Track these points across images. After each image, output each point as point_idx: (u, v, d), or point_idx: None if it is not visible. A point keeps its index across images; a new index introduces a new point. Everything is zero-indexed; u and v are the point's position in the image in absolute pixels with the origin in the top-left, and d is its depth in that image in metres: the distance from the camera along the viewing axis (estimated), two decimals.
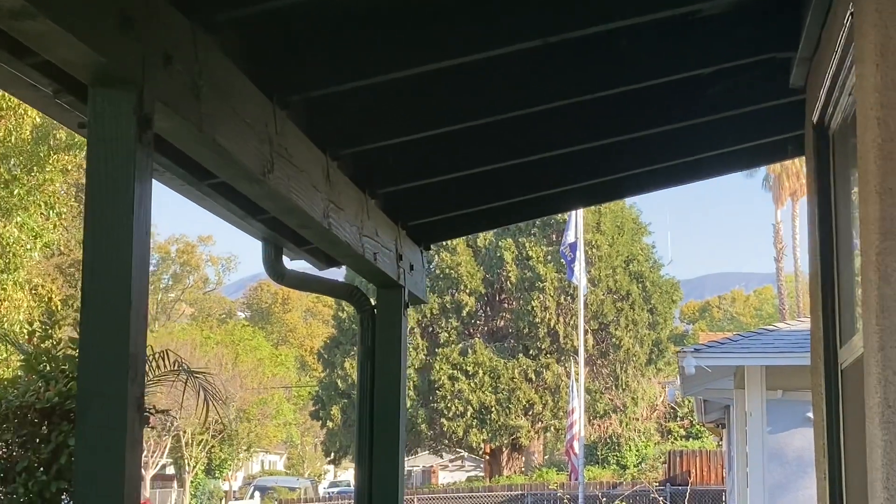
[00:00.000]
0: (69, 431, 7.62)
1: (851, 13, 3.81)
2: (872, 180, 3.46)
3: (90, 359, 3.07)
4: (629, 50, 4.84)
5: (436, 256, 40.40)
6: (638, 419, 42.48)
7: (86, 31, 2.87)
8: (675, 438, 44.56)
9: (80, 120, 3.51)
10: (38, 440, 7.64)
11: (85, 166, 3.16)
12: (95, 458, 3.04)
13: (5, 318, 21.00)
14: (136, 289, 3.05)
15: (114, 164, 3.04)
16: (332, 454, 45.18)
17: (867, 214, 3.53)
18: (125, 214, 3.03)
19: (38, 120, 21.68)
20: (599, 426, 41.86)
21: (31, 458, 7.66)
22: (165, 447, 47.71)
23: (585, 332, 35.17)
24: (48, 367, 7.87)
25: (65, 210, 25.05)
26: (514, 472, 42.44)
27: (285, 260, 5.98)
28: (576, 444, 26.44)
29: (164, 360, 8.57)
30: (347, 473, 69.58)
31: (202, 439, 48.16)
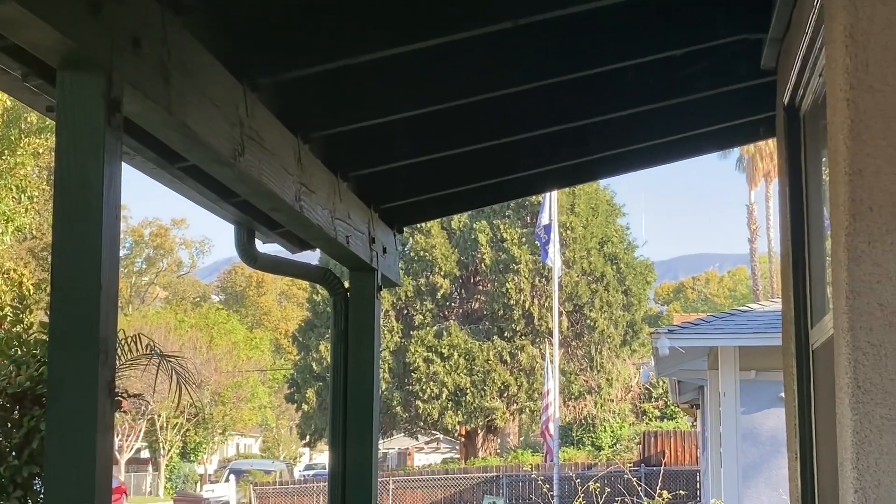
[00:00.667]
0: (41, 416, 7.59)
1: None
2: (842, 162, 3.48)
3: (60, 343, 3.06)
4: (601, 32, 4.85)
5: (410, 239, 40.40)
6: (613, 400, 42.65)
7: (54, 15, 2.85)
8: (650, 419, 44.78)
9: (48, 103, 3.49)
10: (9, 425, 7.60)
11: (55, 147, 3.15)
12: (66, 443, 3.04)
13: None
14: (106, 272, 3.04)
15: (82, 147, 3.03)
16: (308, 437, 45.22)
17: (837, 196, 3.56)
18: (94, 198, 3.02)
19: (8, 103, 21.53)
20: (574, 407, 42.01)
21: (3, 442, 7.62)
22: (140, 431, 47.65)
23: (560, 313, 35.25)
24: (19, 352, 7.82)
25: (36, 194, 24.90)
26: (490, 453, 42.57)
27: (258, 243, 5.97)
28: (551, 426, 26.52)
29: (136, 344, 8.55)
30: (323, 456, 69.61)
31: (177, 423, 48.13)
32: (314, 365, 41.67)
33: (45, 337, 7.96)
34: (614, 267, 41.33)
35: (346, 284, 6.35)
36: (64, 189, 3.06)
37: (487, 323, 41.24)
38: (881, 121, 3.44)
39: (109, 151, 3.05)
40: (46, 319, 8.17)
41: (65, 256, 3.05)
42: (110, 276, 3.07)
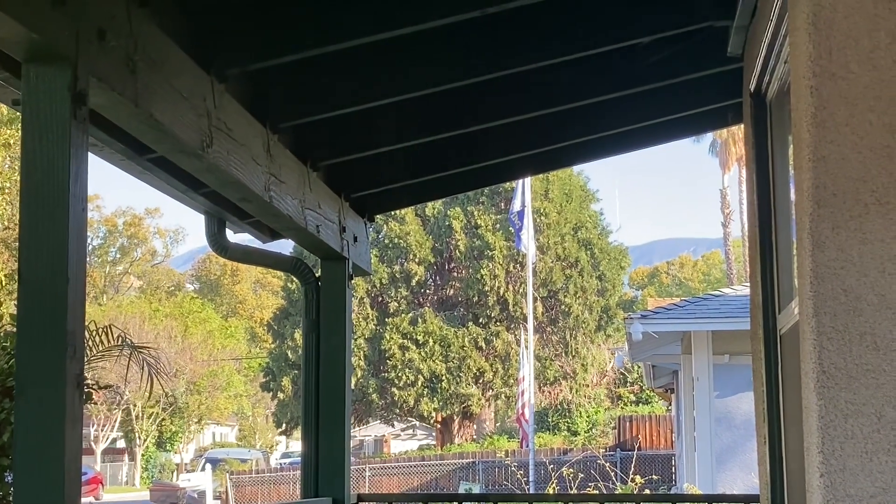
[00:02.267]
0: (11, 409, 7.58)
1: None
2: (806, 148, 3.51)
3: (28, 336, 3.07)
4: (569, 20, 4.87)
5: (384, 226, 40.38)
6: (588, 385, 42.80)
7: (19, 9, 2.85)
8: (625, 404, 44.96)
9: (14, 97, 3.49)
10: None
11: (21, 140, 3.15)
12: (35, 436, 3.05)
13: None
14: (73, 265, 3.05)
15: (48, 140, 3.03)
16: (284, 425, 45.18)
17: (801, 182, 3.59)
18: (61, 191, 3.02)
19: None
20: (550, 393, 42.13)
21: None
22: (116, 421, 47.54)
23: (535, 299, 35.34)
24: None
25: (8, 184, 24.76)
26: (466, 440, 42.67)
27: (229, 233, 5.97)
28: (526, 412, 26.61)
29: (107, 336, 8.53)
30: (300, 444, 69.50)
31: (152, 412, 48.05)
32: (289, 353, 41.62)
33: (15, 330, 7.94)
34: (588, 252, 41.44)
35: (318, 273, 6.36)
36: (30, 182, 3.06)
37: (462, 309, 41.28)
38: (844, 108, 3.47)
39: (75, 144, 3.05)
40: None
41: (32, 249, 3.06)
42: (78, 269, 3.07)
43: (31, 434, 3.05)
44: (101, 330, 8.41)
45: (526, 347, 27.64)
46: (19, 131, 24.52)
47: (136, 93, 3.42)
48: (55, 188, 3.02)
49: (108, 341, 8.35)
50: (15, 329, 8.08)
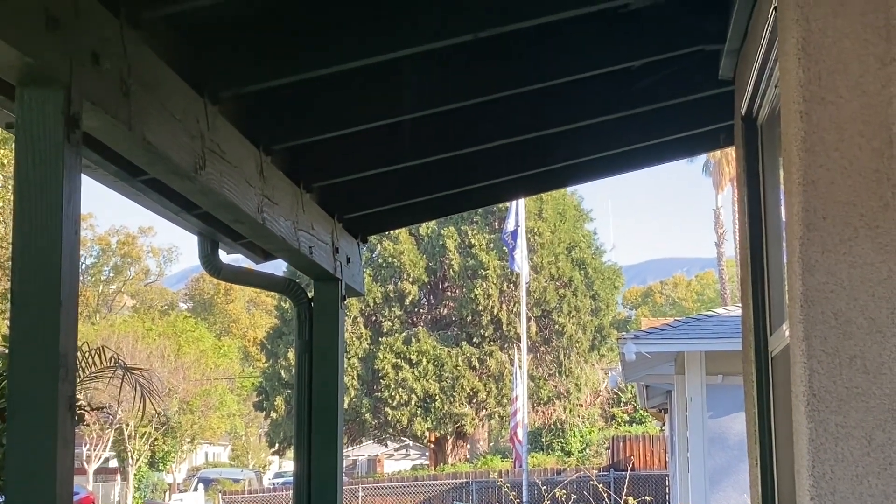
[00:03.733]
0: (2, 430, 7.56)
1: (775, 7, 3.88)
2: (796, 172, 3.53)
3: (20, 359, 3.07)
4: (560, 44, 4.89)
5: (378, 245, 40.39)
6: (581, 405, 42.76)
7: (11, 33, 2.86)
8: (619, 424, 44.91)
9: (8, 119, 3.50)
10: None
11: (14, 163, 3.16)
12: (27, 458, 3.05)
13: None
14: (65, 287, 3.05)
15: (42, 163, 3.04)
16: (277, 445, 45.07)
17: (791, 206, 3.61)
18: (54, 213, 3.03)
19: None
20: (543, 413, 42.09)
21: None
22: (108, 440, 47.39)
23: (528, 319, 35.32)
24: None
25: (2, 203, 24.74)
26: (459, 459, 42.60)
27: (222, 254, 5.98)
28: (520, 432, 26.58)
29: (100, 357, 8.53)
30: (293, 464, 69.27)
31: (145, 432, 47.89)
32: (283, 372, 41.55)
33: (6, 350, 7.94)
34: (582, 272, 41.46)
35: (311, 294, 6.37)
36: (23, 204, 3.07)
37: (456, 329, 41.26)
38: (834, 132, 3.49)
39: (69, 167, 3.06)
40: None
41: (24, 271, 3.06)
42: (70, 291, 3.08)
43: (22, 456, 3.05)
44: (93, 351, 8.41)
45: (519, 367, 27.63)
46: (12, 151, 24.55)
47: (129, 116, 3.43)
48: (48, 210, 3.03)
49: (101, 362, 8.35)
50: (6, 351, 8.10)
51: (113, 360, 8.49)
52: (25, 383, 3.06)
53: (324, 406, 6.20)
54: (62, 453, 3.04)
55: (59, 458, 3.02)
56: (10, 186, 27.72)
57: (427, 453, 47.93)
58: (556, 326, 41.05)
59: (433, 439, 42.44)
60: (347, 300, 6.61)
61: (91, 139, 3.60)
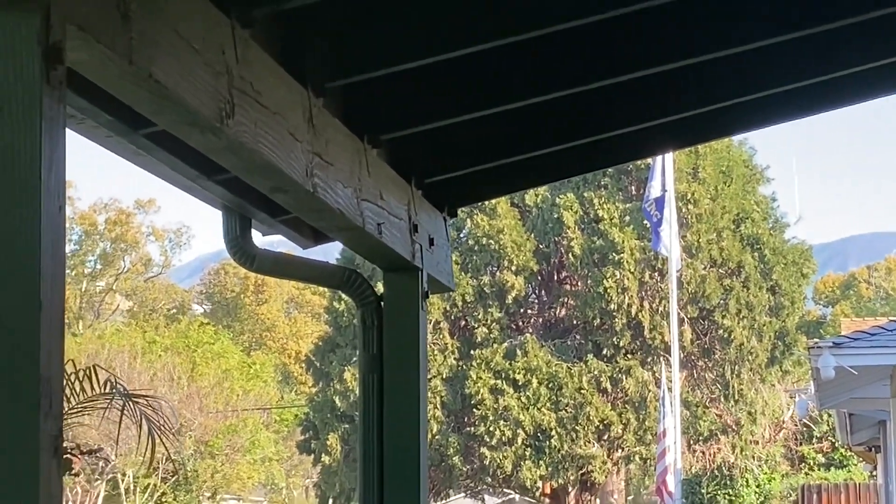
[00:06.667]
0: None
1: None
2: None
3: None
4: None
5: (468, 221, 40.45)
6: (757, 442, 42.49)
7: None
8: (811, 468, 44.59)
9: None
10: None
11: None
12: None
13: None
14: (48, 285, 3.08)
15: (12, 113, 3.06)
16: (331, 500, 45.38)
17: None
18: (30, 183, 3.05)
19: None
20: (704, 453, 41.88)
21: None
22: (98, 497, 48.06)
23: (680, 321, 35.15)
24: None
25: None
26: None
27: (255, 236, 6.03)
28: (670, 480, 26.50)
29: (90, 380, 8.63)
30: None
31: (148, 484, 48.48)
32: (337, 400, 41.81)
33: None
34: (756, 255, 41.14)
35: (379, 291, 6.40)
36: None
37: (578, 337, 41.20)
38: None
39: (49, 117, 3.08)
40: None
41: None
42: (54, 289, 3.10)
43: None
44: (80, 372, 8.50)
45: (669, 389, 27.52)
46: None
47: (129, 45, 3.45)
48: (22, 180, 3.05)
49: (94, 388, 8.43)
50: None
51: (108, 384, 8.59)
52: None
53: (400, 446, 6.22)
54: None
55: None
56: None
57: None
58: (720, 332, 40.80)
59: (548, 491, 42.43)
60: (430, 297, 6.63)
61: (76, 79, 3.64)
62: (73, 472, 8.35)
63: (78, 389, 8.44)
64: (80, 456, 7.82)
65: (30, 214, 3.06)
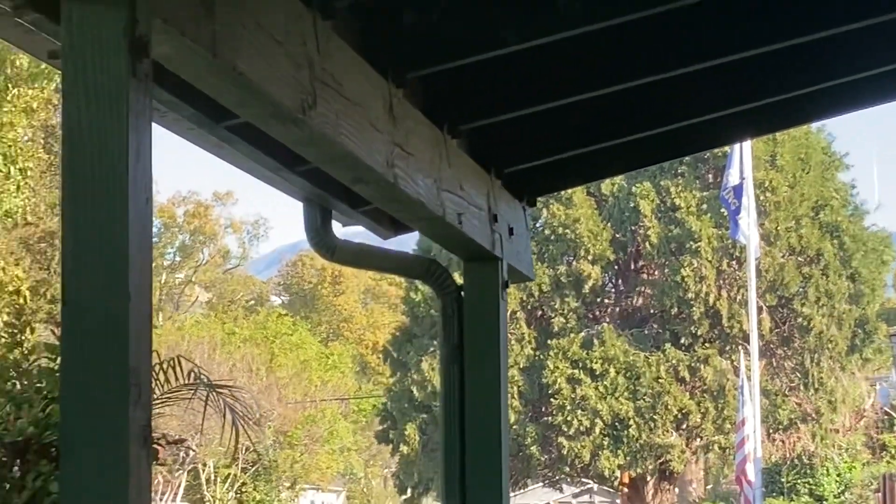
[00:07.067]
0: (51, 473, 7.77)
1: None
2: None
3: (75, 376, 3.13)
4: None
5: (544, 210, 40.38)
6: (838, 430, 42.20)
7: None
8: (893, 456, 44.22)
9: (50, 47, 3.57)
10: (7, 486, 7.78)
11: (60, 109, 3.22)
12: None
13: None
14: (136, 277, 3.11)
15: (99, 106, 3.09)
16: (410, 490, 45.45)
17: None
18: (117, 176, 3.08)
19: None
20: (783, 442, 41.64)
21: None
22: (179, 486, 48.36)
23: (759, 310, 34.94)
24: (18, 386, 7.99)
25: (31, 165, 25.32)
26: None
27: (335, 227, 6.05)
28: (749, 469, 26.36)
29: (174, 371, 8.68)
30: None
31: (228, 474, 48.73)
32: (415, 390, 41.87)
33: (53, 365, 8.15)
34: (835, 242, 40.82)
35: (459, 281, 6.40)
36: (75, 165, 3.13)
37: (655, 326, 41.04)
38: None
39: (136, 111, 3.11)
40: (54, 339, 8.36)
41: (78, 258, 3.12)
42: (142, 281, 3.13)
43: None
44: (165, 364, 8.56)
45: (748, 378, 27.39)
46: (44, 91, 25.11)
47: (213, 38, 3.47)
48: (110, 173, 3.08)
49: (177, 379, 8.49)
50: (54, 365, 8.31)
51: (192, 374, 8.64)
52: (84, 409, 3.12)
53: (482, 437, 6.22)
54: (136, 502, 3.09)
55: None
56: (40, 141, 28.38)
57: (618, 500, 47.82)
58: (800, 320, 40.52)
59: (627, 481, 42.32)
60: (509, 287, 6.62)
61: (160, 72, 3.66)
62: (159, 462, 8.41)
63: (162, 380, 8.50)
64: (165, 446, 7.87)
65: (118, 207, 3.09)
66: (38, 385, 7.91)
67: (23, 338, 8.12)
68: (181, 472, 47.60)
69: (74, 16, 3.13)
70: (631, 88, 5.92)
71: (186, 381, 8.71)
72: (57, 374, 8.01)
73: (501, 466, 6.26)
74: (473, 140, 5.93)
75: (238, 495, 51.37)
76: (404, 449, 42.90)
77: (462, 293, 6.36)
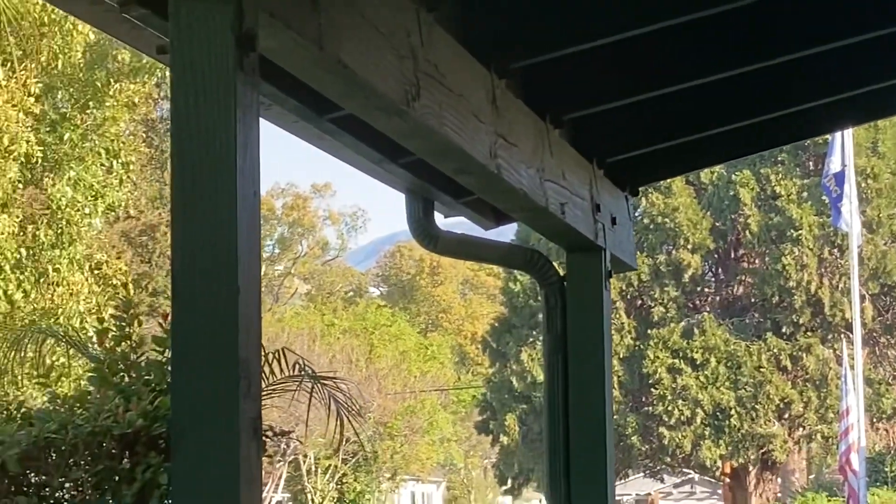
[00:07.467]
0: (160, 465, 7.84)
1: None
2: None
3: (186, 368, 3.17)
4: None
5: (642, 200, 40.21)
6: None
7: None
8: None
9: (159, 42, 3.60)
10: (117, 478, 7.87)
11: (168, 103, 3.25)
12: (199, 501, 3.14)
13: (60, 310, 21.49)
14: (245, 269, 3.13)
15: (207, 101, 3.12)
16: (510, 481, 45.49)
17: None
18: (226, 170, 3.11)
19: (91, 37, 22.09)
20: (888, 431, 41.25)
21: (110, 502, 7.90)
22: (280, 478, 48.65)
23: (862, 298, 34.61)
24: (127, 379, 8.08)
25: (132, 158, 25.53)
26: (767, 499, 42.17)
27: (437, 217, 6.06)
28: (854, 458, 26.13)
29: (279, 363, 8.74)
30: None
31: (329, 465, 48.95)
32: (514, 380, 41.87)
33: (161, 357, 8.23)
34: None
35: (561, 271, 6.39)
36: (184, 159, 3.16)
37: (756, 315, 40.79)
38: None
39: (243, 105, 3.13)
40: (160, 332, 8.46)
41: (188, 251, 3.15)
42: (250, 274, 3.15)
43: (193, 500, 3.15)
44: (270, 355, 8.61)
45: (851, 367, 27.14)
46: (146, 85, 25.29)
47: (319, 31, 3.48)
48: (218, 166, 3.11)
49: (282, 370, 8.54)
50: (162, 357, 8.40)
51: (297, 366, 8.69)
52: (194, 402, 3.15)
53: (586, 427, 6.21)
54: (247, 494, 3.12)
55: (244, 501, 3.10)
56: (141, 135, 28.61)
57: (720, 491, 47.60)
58: None
59: (728, 471, 42.10)
60: (612, 277, 6.61)
61: (264, 65, 3.68)
62: (266, 453, 8.47)
63: (267, 372, 8.56)
64: (273, 437, 7.92)
65: (226, 200, 3.11)
66: (147, 377, 8.00)
67: (130, 330, 8.21)
68: (282, 463, 47.88)
69: (182, 11, 3.16)
70: (733, 77, 5.89)
71: (291, 373, 8.77)
72: (165, 367, 8.11)
73: (606, 457, 6.24)
74: (575, 130, 5.92)
75: (338, 486, 51.60)
76: (504, 439, 42.94)
77: (565, 283, 6.35)
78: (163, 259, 49.07)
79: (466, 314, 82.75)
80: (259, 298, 3.21)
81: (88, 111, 23.42)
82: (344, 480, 51.72)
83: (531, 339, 41.63)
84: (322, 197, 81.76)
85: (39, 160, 22.06)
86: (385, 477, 54.48)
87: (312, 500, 51.25)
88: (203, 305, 3.13)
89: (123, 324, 8.20)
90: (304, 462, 48.47)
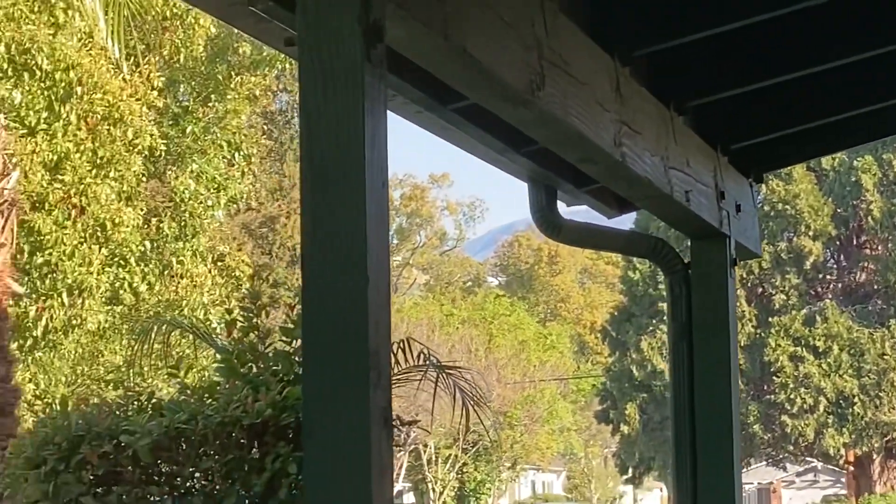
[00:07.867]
0: (289, 455, 7.89)
1: None
2: None
3: (316, 359, 3.18)
4: None
5: (762, 186, 39.91)
6: None
7: None
8: None
9: (286, 35, 3.61)
10: (247, 467, 7.94)
11: (298, 94, 3.26)
12: (331, 491, 3.15)
13: (184, 302, 21.71)
14: (374, 260, 3.14)
15: (336, 92, 3.12)
16: (630, 470, 45.40)
17: None
18: (354, 161, 3.11)
19: (212, 30, 22.27)
20: None
21: (240, 491, 7.96)
22: (401, 467, 48.85)
23: None
24: (255, 369, 8.15)
25: (254, 151, 25.71)
26: (892, 487, 41.71)
27: (560, 206, 6.05)
28: None
29: (405, 353, 8.77)
30: (652, 496, 69.73)
31: (449, 454, 49.07)
32: (634, 369, 41.78)
33: (288, 348, 8.30)
34: None
35: (685, 259, 6.36)
36: (313, 151, 3.17)
37: (880, 301, 40.39)
38: None
39: (371, 96, 3.13)
40: (287, 324, 8.52)
41: (318, 242, 3.16)
42: (380, 265, 3.16)
43: (324, 489, 3.16)
44: (395, 345, 8.63)
45: None
46: (267, 78, 25.44)
47: (444, 21, 3.48)
48: (347, 158, 3.11)
49: (408, 360, 8.57)
50: (288, 348, 8.47)
51: (422, 356, 8.72)
52: (325, 393, 3.16)
53: (712, 416, 6.16)
54: (379, 484, 3.12)
55: (376, 492, 3.10)
56: (261, 126, 28.80)
57: (844, 479, 47.17)
58: None
59: (852, 459, 41.73)
60: (737, 265, 6.56)
61: (389, 57, 3.69)
62: (395, 444, 8.52)
63: (392, 362, 8.60)
64: (402, 427, 7.96)
65: (355, 191, 3.12)
66: (275, 368, 8.04)
67: (257, 321, 8.27)
68: (402, 452, 48.07)
69: (310, 3, 3.17)
70: (857, 62, 5.82)
71: (416, 364, 8.80)
72: (292, 357, 8.17)
73: (733, 446, 6.20)
74: (699, 117, 5.88)
75: (459, 476, 51.74)
76: (625, 428, 42.86)
77: (689, 271, 6.31)
78: (282, 250, 49.46)
79: (585, 303, 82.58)
80: (388, 289, 3.22)
81: (210, 104, 23.66)
82: (464, 470, 51.83)
83: (651, 328, 41.52)
84: (440, 187, 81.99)
85: (163, 153, 22.31)
86: (505, 466, 54.51)
87: (433, 489, 51.41)
88: (333, 297, 3.14)
89: (251, 314, 8.26)
90: (425, 452, 48.62)
